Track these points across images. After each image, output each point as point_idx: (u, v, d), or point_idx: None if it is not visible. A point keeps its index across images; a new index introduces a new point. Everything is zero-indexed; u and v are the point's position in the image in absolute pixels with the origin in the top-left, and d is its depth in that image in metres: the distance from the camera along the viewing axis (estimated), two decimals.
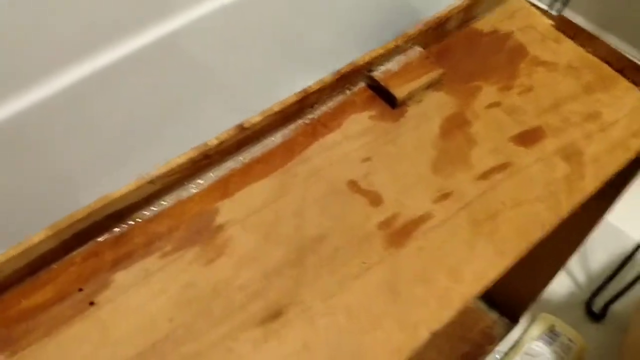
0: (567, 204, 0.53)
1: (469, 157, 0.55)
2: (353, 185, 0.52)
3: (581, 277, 1.17)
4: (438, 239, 0.49)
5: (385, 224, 0.50)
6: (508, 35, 0.65)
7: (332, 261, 0.47)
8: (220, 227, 0.48)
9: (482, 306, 1.03)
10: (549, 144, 0.56)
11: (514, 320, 1.03)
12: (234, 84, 0.62)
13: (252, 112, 0.52)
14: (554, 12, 0.69)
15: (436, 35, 0.62)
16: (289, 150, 0.53)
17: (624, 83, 0.63)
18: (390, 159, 0.54)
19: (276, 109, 0.51)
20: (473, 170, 0.54)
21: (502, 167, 0.54)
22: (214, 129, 0.50)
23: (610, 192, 0.69)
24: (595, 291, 1.12)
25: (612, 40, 1.56)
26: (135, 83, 0.51)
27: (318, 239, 0.48)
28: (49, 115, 0.45)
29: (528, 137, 0.57)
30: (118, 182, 0.47)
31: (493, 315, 1.03)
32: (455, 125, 0.57)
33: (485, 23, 0.66)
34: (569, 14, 1.57)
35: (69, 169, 0.51)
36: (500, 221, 0.51)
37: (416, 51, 0.60)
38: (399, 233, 0.49)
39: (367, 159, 0.53)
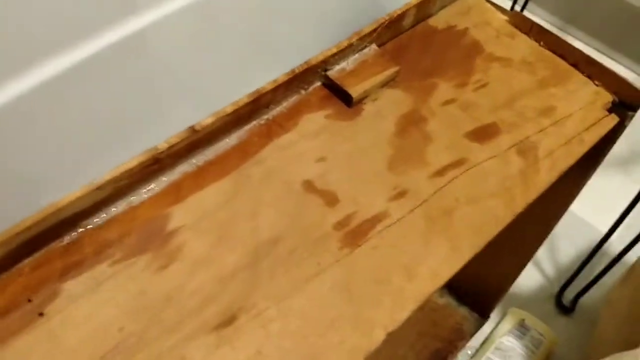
0: (522, 199, 0.53)
1: (424, 155, 0.55)
2: (308, 185, 0.51)
3: (550, 270, 1.18)
4: (393, 238, 0.49)
5: (340, 224, 0.49)
6: (463, 32, 0.65)
7: (286, 263, 0.46)
8: (172, 233, 0.47)
9: (452, 302, 1.04)
10: (504, 140, 0.57)
11: (484, 315, 1.04)
12: (201, 82, 0.61)
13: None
14: (517, 8, 0.69)
15: (391, 33, 0.62)
16: (243, 152, 0.52)
17: (578, 77, 0.64)
18: (346, 158, 0.53)
19: (229, 110, 0.50)
20: (428, 168, 0.54)
21: (457, 163, 0.54)
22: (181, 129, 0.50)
23: (571, 184, 0.70)
24: (565, 284, 1.13)
25: (577, 34, 1.58)
26: (101, 83, 0.50)
27: (273, 241, 0.47)
28: (15, 114, 0.45)
29: (483, 133, 0.57)
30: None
31: (463, 311, 1.03)
32: (411, 123, 0.57)
33: (440, 20, 0.66)
34: (533, 8, 1.58)
35: (30, 172, 0.51)
36: (455, 218, 0.51)
37: (371, 49, 0.60)
38: (355, 233, 0.49)
39: (323, 159, 0.53)
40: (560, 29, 1.57)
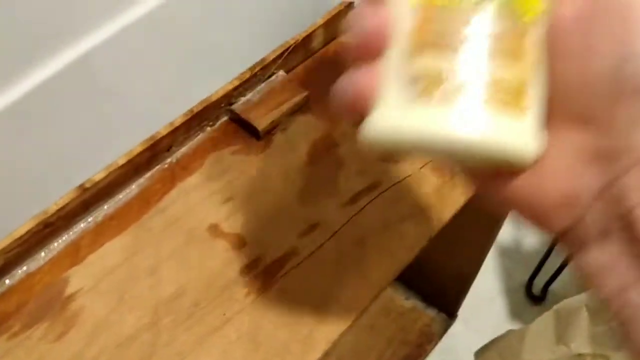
0: (437, 220, 0.52)
1: (336, 182, 0.53)
2: (214, 230, 0.50)
3: (517, 259, 1.17)
4: (302, 277, 0.48)
5: (247, 268, 0.48)
6: None
7: (189, 318, 0.45)
8: (70, 297, 0.46)
9: (419, 305, 1.03)
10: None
11: (451, 315, 1.02)
12: (146, 101, 0.59)
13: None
14: None
15: (301, 57, 0.60)
16: (145, 202, 0.51)
17: None
18: (254, 196, 0.52)
19: (121, 162, 0.49)
20: (341, 196, 0.52)
21: (370, 187, 0.53)
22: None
23: None
24: (533, 273, 1.12)
25: None
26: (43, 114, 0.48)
27: (174, 296, 0.46)
28: None
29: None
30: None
31: (431, 313, 1.02)
32: (323, 149, 0.55)
33: None
34: None
35: None
36: (368, 247, 0.50)
37: (279, 77, 0.58)
38: (262, 276, 0.48)
39: (230, 199, 0.52)
40: None
